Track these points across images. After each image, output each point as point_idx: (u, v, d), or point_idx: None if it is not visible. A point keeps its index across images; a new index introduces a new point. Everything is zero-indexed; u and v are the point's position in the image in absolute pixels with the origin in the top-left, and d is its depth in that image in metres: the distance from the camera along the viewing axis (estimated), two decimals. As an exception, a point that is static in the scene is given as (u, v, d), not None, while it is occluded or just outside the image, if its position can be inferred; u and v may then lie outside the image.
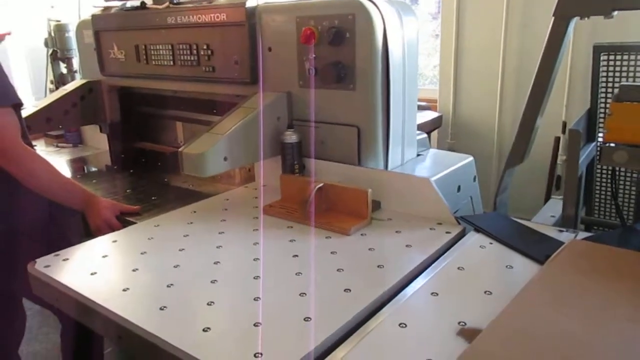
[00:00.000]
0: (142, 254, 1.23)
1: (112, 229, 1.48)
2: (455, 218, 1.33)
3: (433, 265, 1.12)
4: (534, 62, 1.37)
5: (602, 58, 1.54)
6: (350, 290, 1.02)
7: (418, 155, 1.70)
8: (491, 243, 1.21)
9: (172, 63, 1.89)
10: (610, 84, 1.55)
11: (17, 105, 1.43)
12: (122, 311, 0.97)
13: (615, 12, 1.20)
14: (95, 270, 1.14)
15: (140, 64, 2.01)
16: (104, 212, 1.51)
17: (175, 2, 1.82)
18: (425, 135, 1.79)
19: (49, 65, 3.24)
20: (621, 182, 1.60)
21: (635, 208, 1.39)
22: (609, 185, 1.62)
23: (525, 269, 1.09)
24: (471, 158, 1.64)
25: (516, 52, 2.86)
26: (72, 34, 3.00)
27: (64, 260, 1.20)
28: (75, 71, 3.11)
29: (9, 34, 2.31)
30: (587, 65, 1.62)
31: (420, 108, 2.87)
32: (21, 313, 1.75)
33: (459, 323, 0.89)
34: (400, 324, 0.90)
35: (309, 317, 0.92)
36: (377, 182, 1.46)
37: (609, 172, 1.58)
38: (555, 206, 1.60)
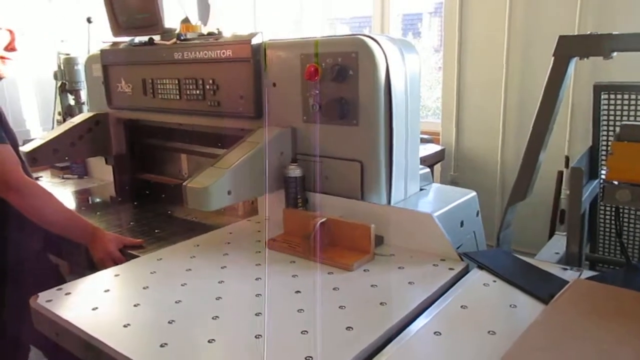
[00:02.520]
0: (144, 288, 1.22)
1: (115, 262, 1.48)
2: (459, 254, 1.33)
3: (436, 303, 1.11)
4: (535, 97, 1.39)
5: (602, 97, 1.56)
6: (352, 329, 1.01)
7: (421, 189, 1.71)
8: (495, 281, 1.20)
9: (178, 97, 1.92)
10: (611, 122, 1.56)
11: (14, 143, 1.45)
12: (123, 348, 0.96)
13: (615, 54, 1.22)
14: (97, 305, 1.14)
15: (147, 98, 2.05)
16: (107, 245, 1.52)
17: (182, 38, 1.87)
18: (427, 169, 1.80)
19: (58, 97, 3.29)
20: (625, 220, 1.59)
21: None
22: (613, 222, 1.61)
23: (529, 308, 1.08)
24: (474, 193, 1.64)
25: (518, 87, 2.89)
26: (81, 67, 3.06)
27: (66, 294, 1.20)
28: (83, 103, 3.15)
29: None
30: (589, 102, 1.63)
31: (423, 141, 2.88)
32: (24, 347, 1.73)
33: (462, 364, 0.88)
34: (403, 364, 0.89)
35: (310, 357, 0.91)
36: (380, 217, 1.46)
37: (613, 210, 1.58)
38: (559, 242, 1.60)
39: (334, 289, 1.19)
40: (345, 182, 1.55)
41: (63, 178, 2.53)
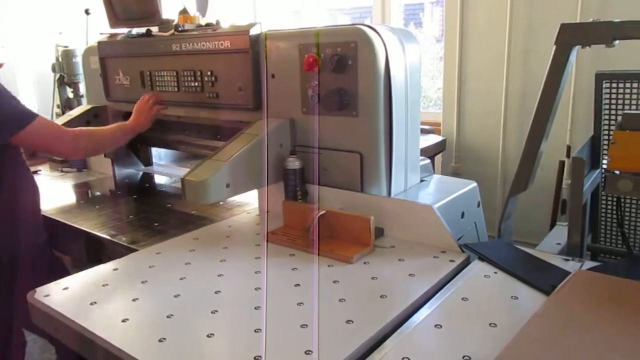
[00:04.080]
0: (142, 282, 1.22)
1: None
2: (459, 246, 1.32)
3: (437, 295, 1.10)
4: (537, 86, 1.37)
5: (604, 86, 1.54)
6: (352, 322, 1.00)
7: (421, 181, 1.69)
8: (496, 272, 1.19)
9: (176, 89, 1.91)
10: (613, 112, 1.54)
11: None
12: (121, 343, 0.96)
13: (617, 42, 1.20)
14: (95, 299, 1.13)
15: (145, 90, 2.03)
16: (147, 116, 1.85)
17: (180, 29, 1.85)
18: (428, 160, 1.79)
19: (56, 89, 3.28)
20: (627, 209, 1.58)
21: (642, 236, 1.38)
22: (614, 212, 1.60)
23: (530, 300, 1.07)
24: (475, 184, 1.63)
25: (519, 76, 2.86)
26: (79, 60, 3.04)
27: (64, 289, 1.20)
28: (82, 96, 3.14)
29: (1, 65, 2.41)
30: (590, 91, 1.61)
31: (424, 131, 2.87)
32: (20, 340, 1.73)
33: (463, 357, 0.88)
34: (404, 358, 0.88)
35: (310, 351, 0.91)
36: (380, 208, 1.45)
37: (615, 200, 1.57)
38: (560, 233, 1.58)
39: (334, 281, 1.18)
40: (344, 174, 1.54)
41: (62, 171, 2.52)
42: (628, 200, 1.57)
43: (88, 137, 1.69)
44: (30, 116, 1.51)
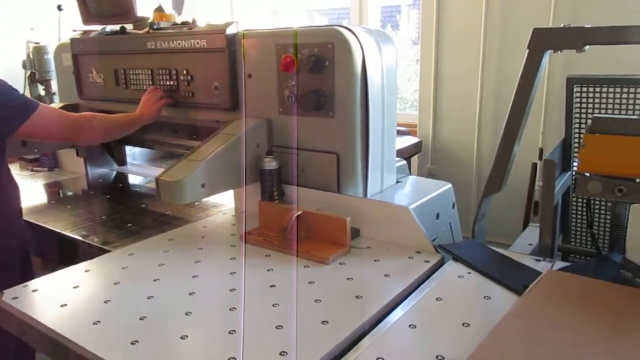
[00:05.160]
0: (115, 284, 1.20)
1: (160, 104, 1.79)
2: (434, 246, 1.33)
3: (412, 295, 1.11)
4: (511, 89, 1.39)
5: (575, 90, 1.57)
6: (327, 323, 1.00)
7: (397, 182, 1.71)
8: (469, 272, 1.21)
9: (151, 88, 1.88)
10: (583, 115, 1.58)
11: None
12: (92, 346, 0.94)
13: (587, 47, 1.23)
14: (66, 302, 1.11)
15: (119, 88, 2.00)
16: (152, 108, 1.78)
17: (155, 27, 1.82)
18: (404, 162, 1.80)
19: (27, 87, 3.20)
20: (596, 211, 1.62)
21: (610, 237, 1.41)
22: (584, 213, 1.64)
23: (503, 299, 1.08)
24: (450, 185, 1.65)
25: (494, 79, 2.91)
26: (51, 56, 2.96)
27: (33, 291, 1.17)
28: (54, 93, 3.06)
29: None
30: (562, 94, 1.65)
31: (401, 133, 2.89)
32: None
33: (436, 357, 0.88)
34: (378, 358, 0.88)
35: (285, 352, 0.90)
36: (356, 209, 1.45)
37: (584, 201, 1.60)
38: (532, 234, 1.61)
39: (309, 282, 1.18)
40: (321, 175, 1.54)
41: (32, 171, 2.46)
42: (597, 202, 1.61)
43: (99, 121, 1.66)
44: (35, 104, 1.48)
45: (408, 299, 1.09)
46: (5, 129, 1.45)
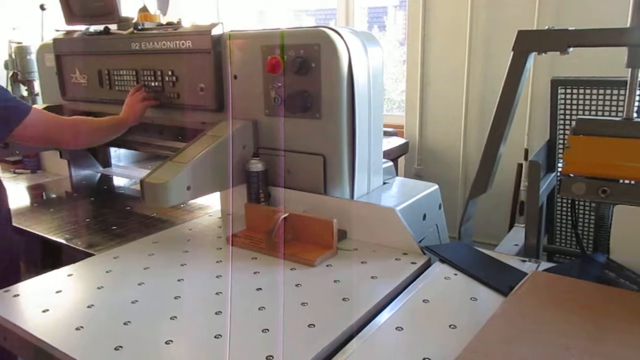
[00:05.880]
0: (98, 288, 1.18)
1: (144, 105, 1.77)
2: (421, 248, 1.33)
3: (398, 297, 1.11)
4: (496, 90, 1.40)
5: (559, 91, 1.59)
6: (314, 326, 1.00)
7: (384, 183, 1.71)
8: (456, 274, 1.21)
9: (136, 89, 1.86)
10: (568, 117, 1.59)
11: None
12: (75, 352, 0.92)
13: (571, 49, 1.24)
14: (48, 307, 1.09)
15: (103, 89, 1.98)
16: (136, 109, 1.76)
17: (140, 28, 1.80)
18: (391, 163, 1.80)
19: (9, 87, 3.15)
20: (581, 211, 1.63)
21: (594, 237, 1.42)
22: (569, 214, 1.65)
23: (489, 301, 1.09)
24: (436, 186, 1.65)
25: (479, 80, 2.93)
26: (33, 57, 2.92)
27: (14, 296, 1.14)
28: (37, 94, 3.02)
29: None
30: (547, 95, 1.66)
31: (387, 134, 2.90)
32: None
33: (423, 359, 0.88)
34: (365, 361, 0.88)
35: (271, 356, 0.90)
36: (343, 211, 1.45)
37: (569, 202, 1.62)
38: (518, 234, 1.63)
39: (296, 285, 1.18)
40: (308, 177, 1.54)
41: (15, 172, 2.42)
42: (582, 203, 1.62)
43: (86, 124, 1.64)
44: (27, 108, 1.45)
45: (395, 301, 1.09)
46: (1, 131, 1.43)
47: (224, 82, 1.65)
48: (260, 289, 1.16)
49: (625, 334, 0.90)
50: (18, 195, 2.10)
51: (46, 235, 1.61)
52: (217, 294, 1.14)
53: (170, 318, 1.04)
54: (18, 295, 1.15)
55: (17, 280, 1.24)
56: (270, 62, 1.49)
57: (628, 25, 1.16)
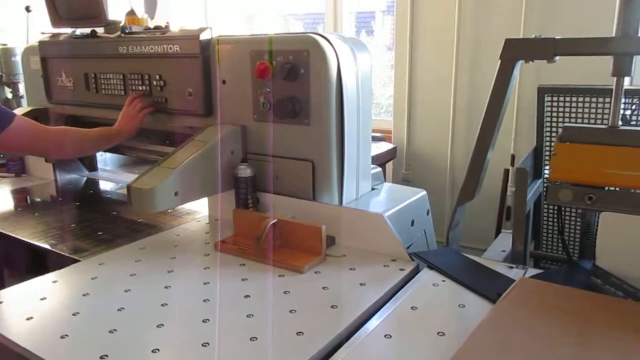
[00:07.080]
0: (84, 295, 1.16)
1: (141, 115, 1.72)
2: (409, 254, 1.33)
3: (386, 305, 1.11)
4: (483, 96, 1.41)
5: (546, 99, 1.60)
6: (303, 333, 0.99)
7: (373, 189, 1.71)
8: (444, 280, 1.22)
9: (123, 92, 1.85)
10: (554, 124, 1.61)
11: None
12: (59, 361, 0.91)
13: (557, 58, 1.25)
14: (32, 314, 1.07)
15: (89, 93, 1.96)
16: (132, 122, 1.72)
17: (127, 31, 1.79)
18: (379, 168, 1.81)
19: (-7, 89, 3.10)
20: (567, 218, 1.65)
21: (580, 244, 1.44)
22: (556, 220, 1.67)
23: (477, 307, 1.09)
24: (424, 192, 1.66)
25: (467, 86, 2.95)
26: (19, 59, 2.89)
27: (-3, 303, 1.13)
28: (22, 96, 2.99)
29: None
30: (534, 102, 1.68)
31: (375, 139, 2.91)
32: None
33: (412, 367, 0.88)
34: (353, 369, 0.88)
35: (259, 364, 0.89)
36: (332, 217, 1.45)
37: (556, 208, 1.63)
38: (505, 240, 1.63)
39: (284, 292, 1.17)
40: (296, 182, 1.53)
41: (-2, 176, 2.38)
42: (568, 209, 1.64)
43: (72, 135, 1.61)
44: (10, 115, 1.43)
45: (383, 308, 1.09)
46: None
47: (213, 87, 1.64)
48: (249, 296, 1.15)
49: (612, 340, 0.90)
50: (1, 200, 2.06)
51: (30, 241, 1.58)
52: (204, 301, 1.13)
53: (157, 326, 1.03)
54: (1, 302, 1.13)
55: (0, 287, 1.22)
56: (259, 68, 1.48)
57: (613, 34, 1.17)
